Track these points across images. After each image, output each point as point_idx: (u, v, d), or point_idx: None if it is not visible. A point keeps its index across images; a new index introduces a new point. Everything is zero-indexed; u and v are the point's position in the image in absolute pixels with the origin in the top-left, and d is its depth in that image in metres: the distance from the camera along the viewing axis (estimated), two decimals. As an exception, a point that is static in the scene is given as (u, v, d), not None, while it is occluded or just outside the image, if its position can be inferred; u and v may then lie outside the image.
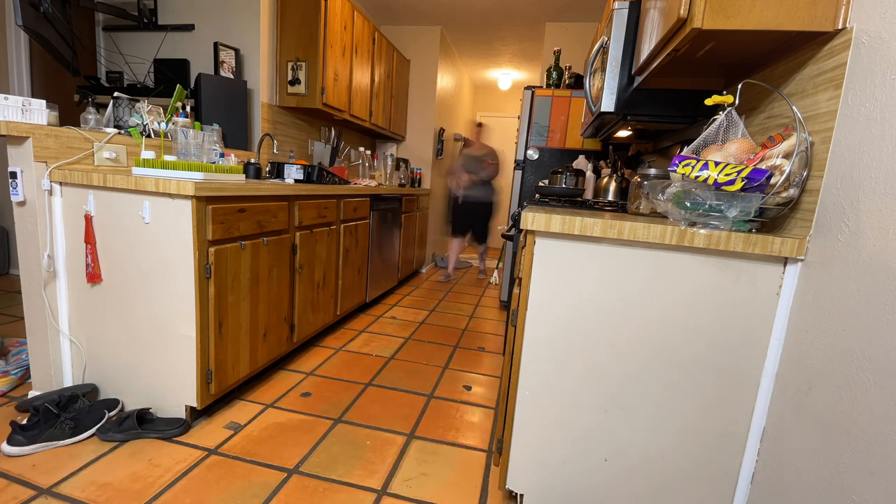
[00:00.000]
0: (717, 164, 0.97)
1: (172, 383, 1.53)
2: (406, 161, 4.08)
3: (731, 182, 0.94)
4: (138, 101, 1.86)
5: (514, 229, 2.44)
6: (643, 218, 1.23)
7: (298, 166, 2.37)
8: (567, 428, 1.16)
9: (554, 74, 3.11)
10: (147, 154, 1.64)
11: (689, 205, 1.00)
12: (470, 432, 1.66)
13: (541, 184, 2.64)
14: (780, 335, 1.01)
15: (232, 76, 2.53)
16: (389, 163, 3.71)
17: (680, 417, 1.09)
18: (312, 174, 2.38)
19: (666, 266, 1.04)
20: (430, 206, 4.61)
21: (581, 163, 2.80)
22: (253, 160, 2.43)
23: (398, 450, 1.52)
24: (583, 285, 1.09)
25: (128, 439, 1.45)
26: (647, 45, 1.31)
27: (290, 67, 2.73)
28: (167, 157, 1.64)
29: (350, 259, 2.66)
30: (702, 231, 0.97)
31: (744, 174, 0.94)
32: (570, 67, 3.13)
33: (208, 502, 1.22)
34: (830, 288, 0.88)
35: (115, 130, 1.74)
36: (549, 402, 1.16)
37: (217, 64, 2.46)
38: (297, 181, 2.35)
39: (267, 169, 2.51)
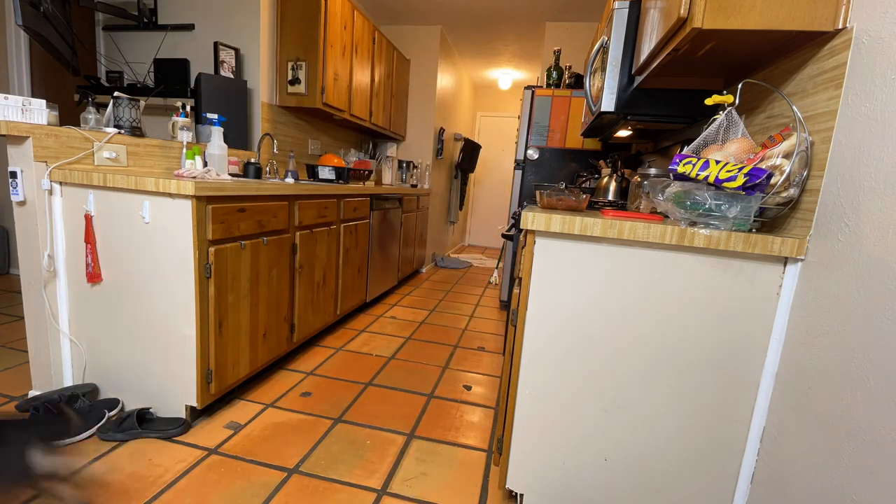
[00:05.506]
0: (717, 162, 0.97)
1: (172, 383, 1.53)
2: (409, 162, 4.07)
3: (733, 178, 0.95)
4: (138, 100, 1.86)
5: (514, 229, 2.44)
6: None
7: (330, 167, 2.66)
8: (567, 427, 1.16)
9: (554, 74, 3.11)
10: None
11: (689, 204, 1.00)
12: (470, 432, 1.66)
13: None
14: (780, 335, 1.01)
15: (232, 76, 2.53)
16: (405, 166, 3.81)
17: (680, 417, 1.09)
18: (343, 174, 2.74)
19: (666, 266, 1.04)
20: (430, 206, 4.61)
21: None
22: (253, 160, 2.43)
23: (398, 449, 1.52)
24: (583, 285, 1.09)
25: (128, 439, 1.45)
26: (647, 45, 1.31)
27: (290, 67, 2.73)
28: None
29: (350, 259, 2.66)
30: (702, 231, 0.97)
31: (745, 170, 0.94)
32: (570, 67, 3.13)
33: (209, 502, 1.22)
34: (830, 288, 0.88)
35: (115, 130, 1.74)
36: (549, 402, 1.16)
37: (217, 63, 2.45)
38: (327, 180, 2.60)
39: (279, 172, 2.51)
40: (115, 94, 1.81)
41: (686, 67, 1.31)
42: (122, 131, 1.78)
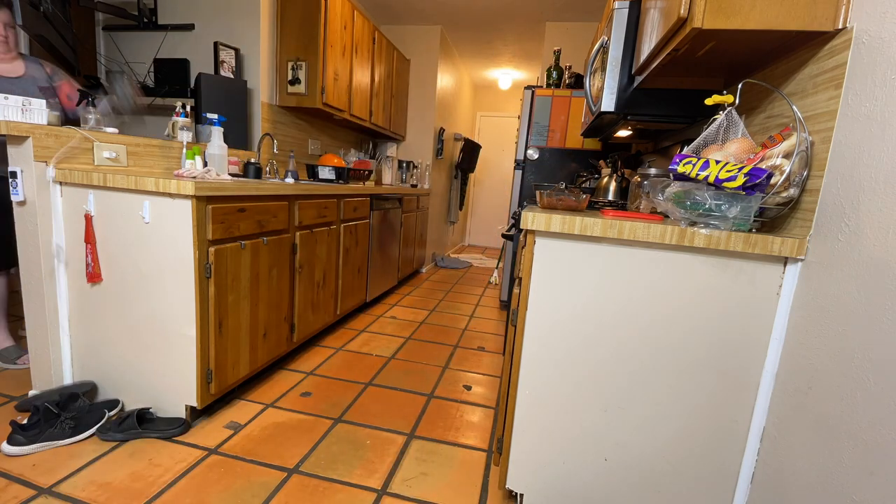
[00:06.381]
0: (717, 162, 0.97)
1: (172, 383, 1.53)
2: (409, 163, 4.07)
3: (733, 178, 0.94)
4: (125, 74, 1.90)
5: (514, 229, 2.44)
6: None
7: (330, 167, 2.66)
8: (567, 427, 1.16)
9: (554, 74, 3.11)
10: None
11: (689, 204, 1.00)
12: (470, 432, 1.66)
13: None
14: (780, 335, 1.01)
15: (232, 76, 2.53)
16: (404, 166, 3.83)
17: (680, 417, 1.09)
18: (343, 174, 2.75)
19: (666, 266, 1.04)
20: (430, 206, 4.62)
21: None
22: (253, 160, 2.43)
23: (398, 449, 1.52)
24: (583, 285, 1.09)
25: (128, 439, 1.45)
26: (647, 45, 1.31)
27: (290, 67, 2.73)
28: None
29: (350, 259, 2.66)
30: (702, 231, 0.97)
31: (745, 170, 0.94)
32: (570, 67, 3.13)
33: (208, 502, 1.22)
34: (830, 288, 0.88)
35: (115, 130, 1.74)
36: (549, 402, 1.16)
37: (217, 63, 2.45)
38: (327, 180, 2.61)
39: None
40: (107, 71, 1.86)
41: (686, 67, 1.31)
42: (122, 114, 1.81)
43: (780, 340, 1.01)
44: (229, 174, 2.10)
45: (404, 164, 4.04)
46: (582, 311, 1.10)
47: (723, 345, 1.03)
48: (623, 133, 2.15)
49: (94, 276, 1.54)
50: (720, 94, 1.04)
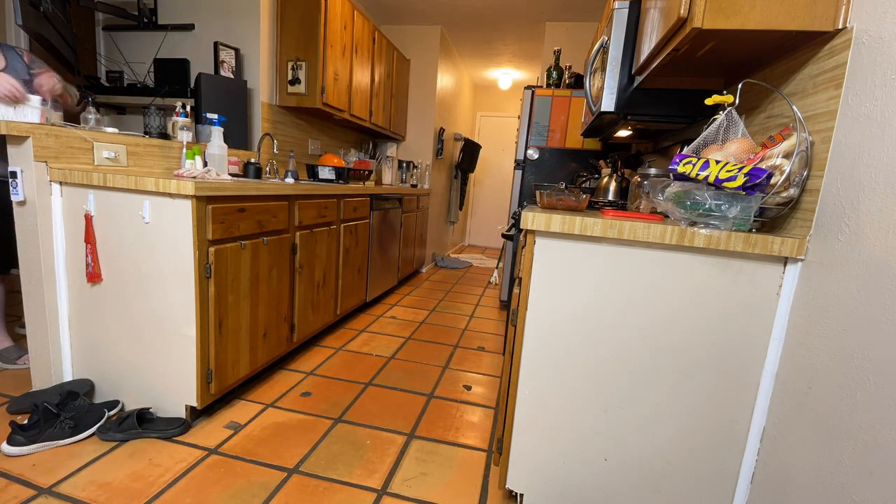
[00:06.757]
0: (717, 162, 0.97)
1: (172, 383, 1.53)
2: (409, 163, 4.07)
3: (733, 178, 0.94)
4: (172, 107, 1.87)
5: (514, 229, 2.44)
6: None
7: (330, 167, 2.66)
8: (567, 427, 1.16)
9: (554, 74, 3.11)
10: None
11: (689, 204, 1.00)
12: (470, 432, 1.66)
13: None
14: (780, 335, 1.01)
15: (232, 76, 2.53)
16: (402, 166, 3.83)
17: (680, 417, 1.09)
18: (343, 174, 2.75)
19: (666, 266, 1.04)
20: (430, 206, 4.62)
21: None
22: (253, 160, 2.44)
23: (398, 449, 1.52)
24: (583, 285, 1.09)
25: (128, 439, 1.45)
26: (647, 45, 1.31)
27: (290, 67, 2.73)
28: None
29: (350, 259, 2.66)
30: (702, 231, 0.97)
31: (745, 170, 0.94)
32: (570, 67, 3.13)
33: (208, 502, 1.22)
34: (830, 288, 0.88)
35: (115, 129, 1.74)
36: (549, 402, 1.16)
37: (217, 63, 2.45)
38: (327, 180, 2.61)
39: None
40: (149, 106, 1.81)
41: (686, 67, 1.31)
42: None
43: (780, 340, 1.01)
44: (229, 174, 2.10)
45: (404, 164, 4.04)
46: (582, 311, 1.10)
47: (723, 345, 1.03)
48: (623, 133, 2.15)
49: (94, 276, 1.54)
50: (720, 94, 1.04)
